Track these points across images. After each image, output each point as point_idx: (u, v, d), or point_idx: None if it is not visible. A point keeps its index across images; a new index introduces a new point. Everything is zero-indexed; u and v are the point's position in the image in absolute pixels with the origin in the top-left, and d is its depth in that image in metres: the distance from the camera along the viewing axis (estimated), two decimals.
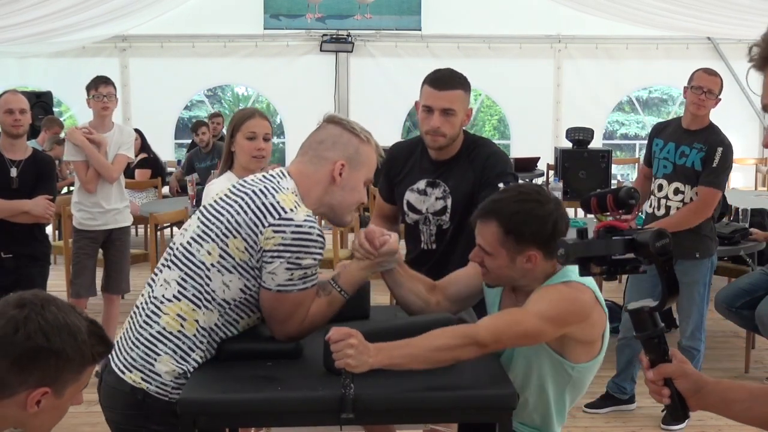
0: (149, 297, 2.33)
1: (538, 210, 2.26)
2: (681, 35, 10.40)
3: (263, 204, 2.24)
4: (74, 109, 10.66)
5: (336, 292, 2.39)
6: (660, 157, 4.44)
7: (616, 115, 17.49)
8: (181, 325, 2.25)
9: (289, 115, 10.50)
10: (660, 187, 4.43)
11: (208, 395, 2.13)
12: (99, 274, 5.29)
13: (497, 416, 2.16)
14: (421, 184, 3.28)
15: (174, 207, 6.68)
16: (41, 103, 9.24)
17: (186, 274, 2.28)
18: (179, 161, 9.81)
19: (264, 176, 2.38)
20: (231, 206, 2.28)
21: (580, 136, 8.53)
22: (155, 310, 2.28)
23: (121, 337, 2.35)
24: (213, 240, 2.26)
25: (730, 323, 5.24)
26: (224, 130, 9.83)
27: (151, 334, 2.26)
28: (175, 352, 2.24)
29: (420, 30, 10.52)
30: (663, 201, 4.41)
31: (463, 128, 3.24)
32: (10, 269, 4.33)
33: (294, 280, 2.25)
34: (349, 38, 10.56)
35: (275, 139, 6.88)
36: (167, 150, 10.48)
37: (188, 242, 2.31)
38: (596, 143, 9.32)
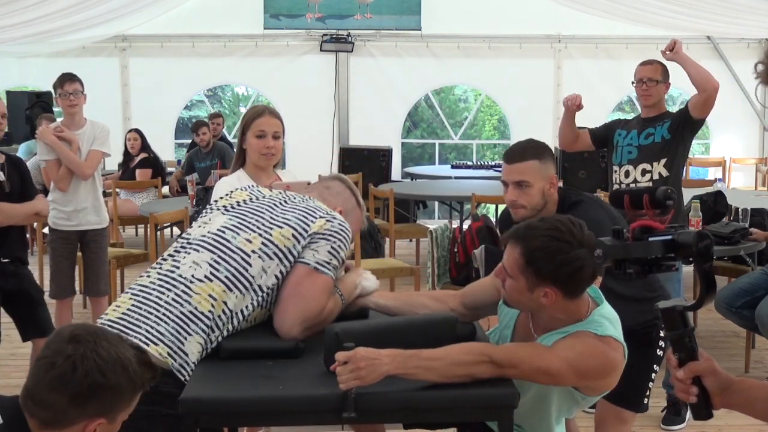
0: (173, 275, 2.35)
1: (564, 252, 2.15)
2: (681, 35, 10.35)
3: (308, 206, 2.50)
4: None
5: (338, 295, 2.51)
6: (624, 145, 4.59)
7: (616, 114, 17.37)
8: (212, 305, 2.31)
9: (289, 115, 10.41)
10: (627, 174, 4.56)
11: (209, 394, 2.13)
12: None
13: (498, 415, 2.17)
14: None
15: (174, 207, 6.67)
16: (41, 102, 9.23)
17: (219, 257, 2.37)
18: (179, 161, 9.81)
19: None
20: (273, 208, 2.49)
21: None
22: (185, 290, 2.33)
23: (134, 312, 2.31)
24: (253, 230, 2.42)
25: (730, 323, 5.23)
26: (224, 131, 9.86)
27: (182, 313, 2.29)
28: (205, 332, 2.29)
29: (420, 30, 10.50)
30: (632, 186, 4.53)
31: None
32: (10, 273, 4.27)
33: (330, 264, 2.42)
34: (349, 38, 10.55)
35: None
36: (167, 150, 10.46)
37: (220, 230, 2.43)
38: None
